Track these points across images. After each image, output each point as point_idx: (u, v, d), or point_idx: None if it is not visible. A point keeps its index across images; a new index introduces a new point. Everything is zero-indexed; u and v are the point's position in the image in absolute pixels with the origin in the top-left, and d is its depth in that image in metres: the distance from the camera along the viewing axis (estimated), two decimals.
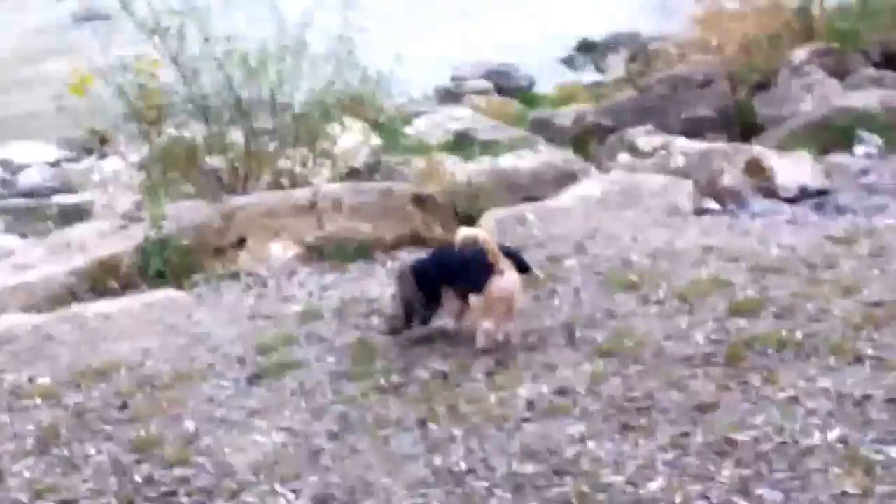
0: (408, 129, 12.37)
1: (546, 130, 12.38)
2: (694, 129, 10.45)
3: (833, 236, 6.59)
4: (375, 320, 5.90)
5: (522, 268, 5.44)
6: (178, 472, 4.59)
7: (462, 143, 11.71)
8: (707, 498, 4.05)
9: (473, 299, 5.34)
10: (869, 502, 3.91)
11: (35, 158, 13.63)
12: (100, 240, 7.59)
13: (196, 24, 8.36)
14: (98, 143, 10.50)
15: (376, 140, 10.48)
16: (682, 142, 8.93)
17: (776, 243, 6.51)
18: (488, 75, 16.54)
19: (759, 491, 4.04)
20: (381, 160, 10.10)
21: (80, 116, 8.70)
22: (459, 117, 13.23)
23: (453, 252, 5.41)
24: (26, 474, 4.70)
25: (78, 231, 8.01)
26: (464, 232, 5.41)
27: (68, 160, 13.63)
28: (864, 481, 4.01)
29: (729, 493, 4.05)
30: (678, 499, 4.04)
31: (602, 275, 6.19)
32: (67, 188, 12.59)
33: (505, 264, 5.28)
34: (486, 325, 5.33)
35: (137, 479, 4.57)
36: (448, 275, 5.45)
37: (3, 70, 17.41)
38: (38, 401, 5.38)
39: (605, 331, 5.46)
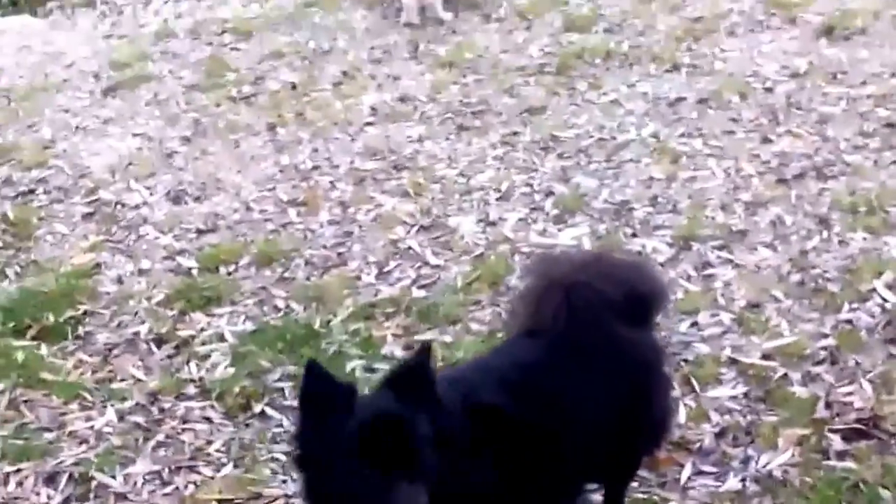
0: None
1: None
2: None
3: None
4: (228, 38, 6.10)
5: None
6: (35, 173, 4.83)
7: None
8: (530, 185, 4.43)
9: None
10: (672, 185, 4.34)
11: None
12: None
13: None
14: None
15: None
16: None
17: None
18: None
19: (576, 179, 4.44)
20: None
21: None
22: None
23: None
24: None
25: None
26: None
27: None
28: (669, 168, 4.43)
29: (550, 180, 4.44)
30: (504, 186, 4.43)
31: None
32: None
33: None
34: None
35: None
36: None
37: None
38: None
39: (448, 45, 5.74)
